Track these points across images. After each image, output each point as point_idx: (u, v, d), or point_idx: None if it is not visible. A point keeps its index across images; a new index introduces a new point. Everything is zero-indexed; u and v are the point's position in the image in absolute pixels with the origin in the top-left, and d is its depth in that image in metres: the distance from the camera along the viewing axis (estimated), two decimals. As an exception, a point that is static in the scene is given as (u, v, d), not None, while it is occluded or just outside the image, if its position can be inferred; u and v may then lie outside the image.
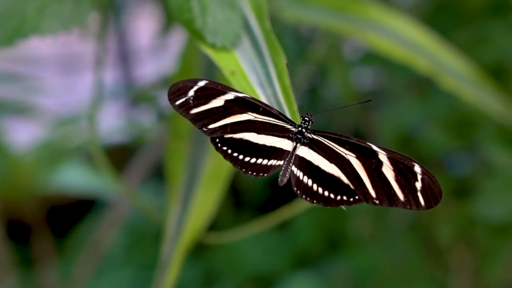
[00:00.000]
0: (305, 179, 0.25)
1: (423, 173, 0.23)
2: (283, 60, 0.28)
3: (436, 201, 0.23)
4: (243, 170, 0.25)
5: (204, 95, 0.25)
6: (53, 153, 0.72)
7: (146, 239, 0.89)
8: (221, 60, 0.29)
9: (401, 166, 0.24)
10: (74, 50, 1.04)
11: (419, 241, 0.69)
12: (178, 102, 0.25)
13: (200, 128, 0.25)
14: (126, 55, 0.91)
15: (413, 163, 0.24)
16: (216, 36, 0.29)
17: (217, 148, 0.26)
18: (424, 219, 0.67)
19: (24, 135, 0.82)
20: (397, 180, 0.24)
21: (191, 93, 0.25)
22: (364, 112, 0.68)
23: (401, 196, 0.24)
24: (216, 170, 0.39)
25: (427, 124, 0.54)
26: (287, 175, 0.25)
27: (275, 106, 0.27)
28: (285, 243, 0.83)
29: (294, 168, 0.25)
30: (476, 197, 0.51)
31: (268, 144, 0.26)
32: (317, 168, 0.25)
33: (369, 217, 0.74)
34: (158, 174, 0.80)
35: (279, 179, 0.25)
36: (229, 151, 0.25)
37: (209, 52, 0.29)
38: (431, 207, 0.24)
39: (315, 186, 0.25)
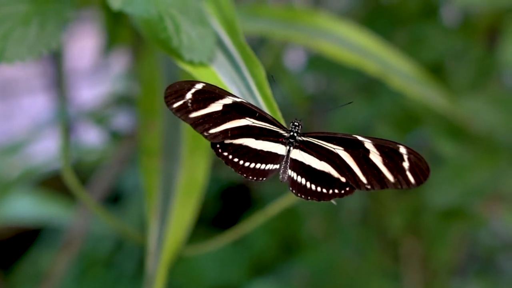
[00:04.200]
0: (299, 178, 0.27)
1: (408, 153, 0.25)
2: (262, 71, 0.30)
3: (425, 177, 0.25)
4: (244, 175, 0.27)
5: (203, 98, 0.26)
6: (-5, 184, 0.69)
7: (97, 265, 0.87)
8: (201, 75, 0.30)
9: (386, 150, 0.25)
10: (9, 75, 1.00)
11: (371, 235, 0.72)
12: (175, 105, 0.26)
13: (201, 133, 0.26)
14: (61, 77, 0.88)
15: (398, 145, 0.25)
16: (192, 52, 0.30)
17: (218, 154, 0.26)
18: (375, 213, 0.70)
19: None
20: (385, 164, 0.25)
21: (188, 95, 0.26)
22: (309, 116, 0.71)
23: (390, 177, 0.25)
24: (190, 182, 0.40)
25: (375, 122, 0.57)
26: (286, 173, 0.27)
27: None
28: (241, 252, 0.83)
29: (289, 170, 0.27)
30: (424, 187, 0.55)
31: (265, 149, 0.27)
32: (309, 167, 0.27)
33: (321, 217, 0.76)
34: (109, 197, 0.78)
35: (280, 176, 0.27)
36: (230, 156, 0.26)
37: (188, 69, 0.30)
38: (421, 183, 0.25)
39: (308, 184, 0.26)
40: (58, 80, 0.39)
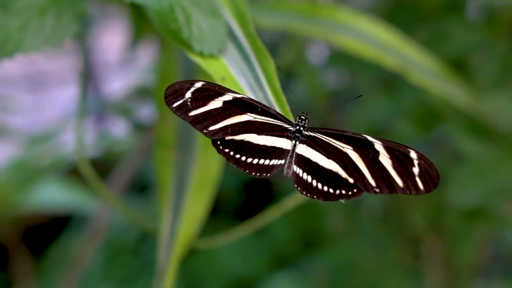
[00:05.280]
0: (305, 175, 0.26)
1: (419, 158, 0.24)
2: (271, 64, 0.29)
3: (435, 184, 0.24)
4: (247, 171, 0.26)
5: (202, 96, 0.26)
6: (27, 172, 0.71)
7: (123, 253, 0.89)
8: (211, 66, 0.30)
9: (397, 153, 0.25)
10: (41, 68, 1.03)
11: (392, 232, 0.71)
12: (175, 104, 0.26)
13: (201, 130, 0.26)
14: (93, 70, 0.91)
15: (409, 149, 0.25)
16: (202, 44, 0.30)
17: (219, 151, 0.26)
18: (396, 210, 0.69)
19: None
20: (394, 168, 0.25)
21: (188, 94, 0.26)
22: (330, 112, 0.70)
23: (400, 182, 0.25)
24: (204, 176, 0.40)
25: (395, 119, 0.56)
26: (291, 169, 0.26)
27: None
28: (262, 245, 0.84)
29: (294, 166, 0.26)
30: (446, 186, 0.53)
31: (268, 144, 0.26)
32: (316, 164, 0.26)
33: (342, 213, 0.76)
34: (135, 187, 0.80)
35: (285, 171, 0.26)
36: (231, 153, 0.26)
37: (198, 60, 0.30)
38: (430, 190, 0.25)
39: (314, 182, 0.26)
40: (81, 73, 0.40)
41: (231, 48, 0.32)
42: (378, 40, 0.46)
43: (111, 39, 0.81)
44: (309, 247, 0.84)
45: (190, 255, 0.84)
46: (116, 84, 0.94)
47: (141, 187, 0.88)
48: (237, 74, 0.30)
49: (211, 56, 0.30)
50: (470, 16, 0.57)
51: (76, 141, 0.40)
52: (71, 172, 0.84)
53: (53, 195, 0.79)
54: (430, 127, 0.56)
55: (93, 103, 0.86)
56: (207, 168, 0.40)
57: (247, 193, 0.90)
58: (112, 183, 0.64)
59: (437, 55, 0.49)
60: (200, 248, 0.67)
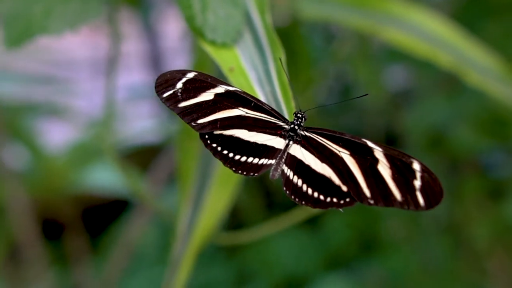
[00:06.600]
0: (295, 179, 0.24)
1: (422, 171, 0.22)
2: (282, 56, 0.27)
3: (437, 201, 0.22)
4: (233, 169, 0.25)
5: (193, 87, 0.24)
6: (86, 153, 0.74)
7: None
8: (220, 56, 0.28)
9: (398, 163, 0.22)
10: (106, 53, 1.06)
11: (454, 244, 0.66)
12: (165, 95, 0.24)
13: (189, 123, 0.24)
14: (156, 56, 0.92)
15: (412, 159, 0.22)
16: (216, 32, 0.29)
17: (207, 145, 0.25)
18: (459, 222, 0.64)
19: (57, 136, 0.84)
20: (394, 179, 0.22)
21: (179, 85, 0.24)
22: (395, 111, 0.66)
23: (398, 195, 0.22)
24: (228, 169, 0.38)
25: (458, 123, 0.51)
26: (278, 170, 0.24)
27: (273, 104, 0.26)
28: (318, 244, 0.81)
29: (284, 167, 0.24)
30: (505, 201, 0.48)
31: (259, 142, 0.25)
32: (308, 167, 0.24)
33: (403, 219, 0.72)
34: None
35: (271, 173, 0.24)
36: (219, 148, 0.24)
37: (209, 49, 0.28)
38: (431, 207, 0.22)
39: (304, 187, 0.24)
40: (109, 63, 0.40)
41: (247, 38, 0.30)
42: (432, 35, 0.42)
43: (176, 25, 0.82)
44: (366, 251, 0.80)
45: (244, 248, 0.84)
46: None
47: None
48: (249, 66, 0.28)
49: (224, 45, 0.29)
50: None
51: (104, 134, 0.40)
52: (129, 157, 0.85)
53: (111, 177, 0.81)
54: (497, 135, 0.51)
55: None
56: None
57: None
58: (160, 170, 0.64)
59: (508, 54, 0.44)
60: (252, 239, 0.66)
